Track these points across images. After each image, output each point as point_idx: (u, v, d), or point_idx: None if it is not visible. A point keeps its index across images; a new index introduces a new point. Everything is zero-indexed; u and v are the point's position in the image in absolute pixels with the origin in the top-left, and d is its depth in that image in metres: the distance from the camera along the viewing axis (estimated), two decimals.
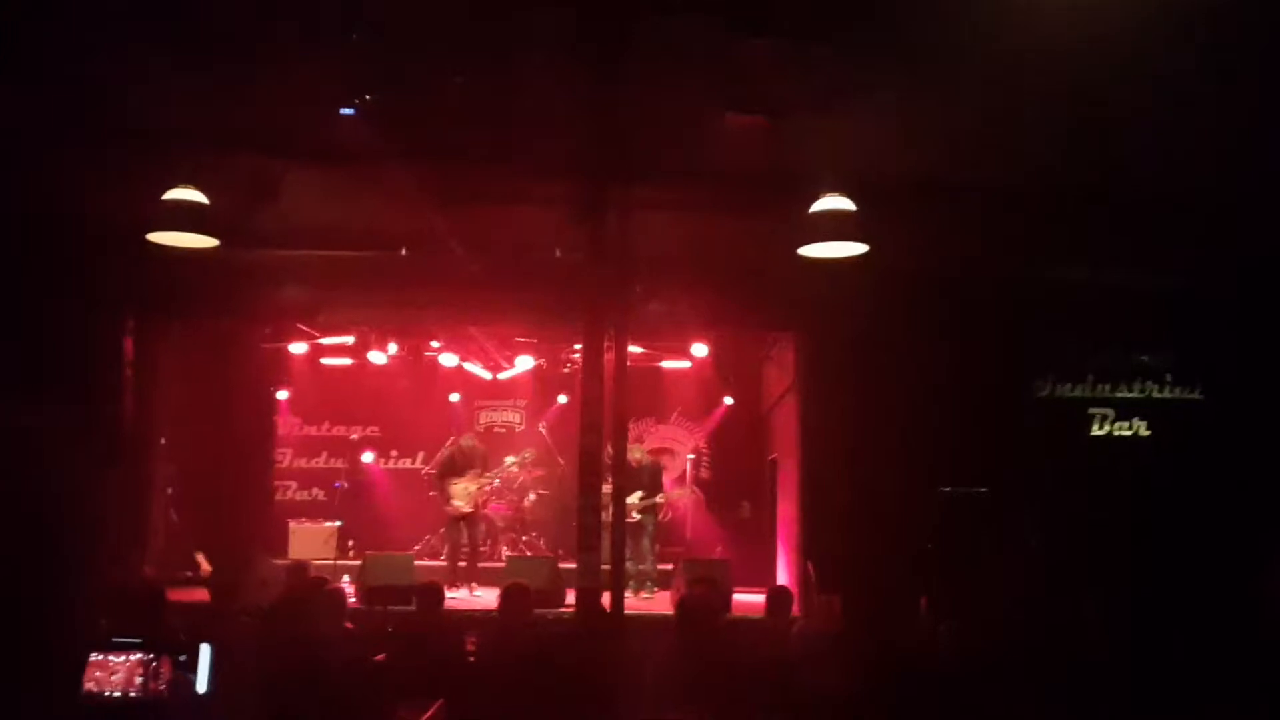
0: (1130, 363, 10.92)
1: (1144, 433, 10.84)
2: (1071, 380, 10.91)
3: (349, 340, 13.78)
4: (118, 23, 5.76)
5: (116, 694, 4.07)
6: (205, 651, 4.20)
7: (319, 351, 14.24)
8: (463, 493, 11.99)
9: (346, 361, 14.38)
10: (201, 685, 4.19)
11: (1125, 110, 6.74)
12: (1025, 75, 6.23)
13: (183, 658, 4.14)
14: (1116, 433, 10.85)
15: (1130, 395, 10.89)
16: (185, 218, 6.89)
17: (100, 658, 4.05)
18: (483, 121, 6.94)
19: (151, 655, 4.12)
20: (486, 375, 14.82)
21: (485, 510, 12.81)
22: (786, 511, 12.02)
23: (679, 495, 13.25)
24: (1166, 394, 10.88)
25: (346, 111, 5.99)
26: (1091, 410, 10.88)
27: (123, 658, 4.06)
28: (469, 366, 14.60)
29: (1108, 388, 10.91)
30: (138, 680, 4.09)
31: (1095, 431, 10.85)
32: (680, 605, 6.31)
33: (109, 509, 9.33)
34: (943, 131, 7.05)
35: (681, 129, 6.79)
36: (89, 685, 4.05)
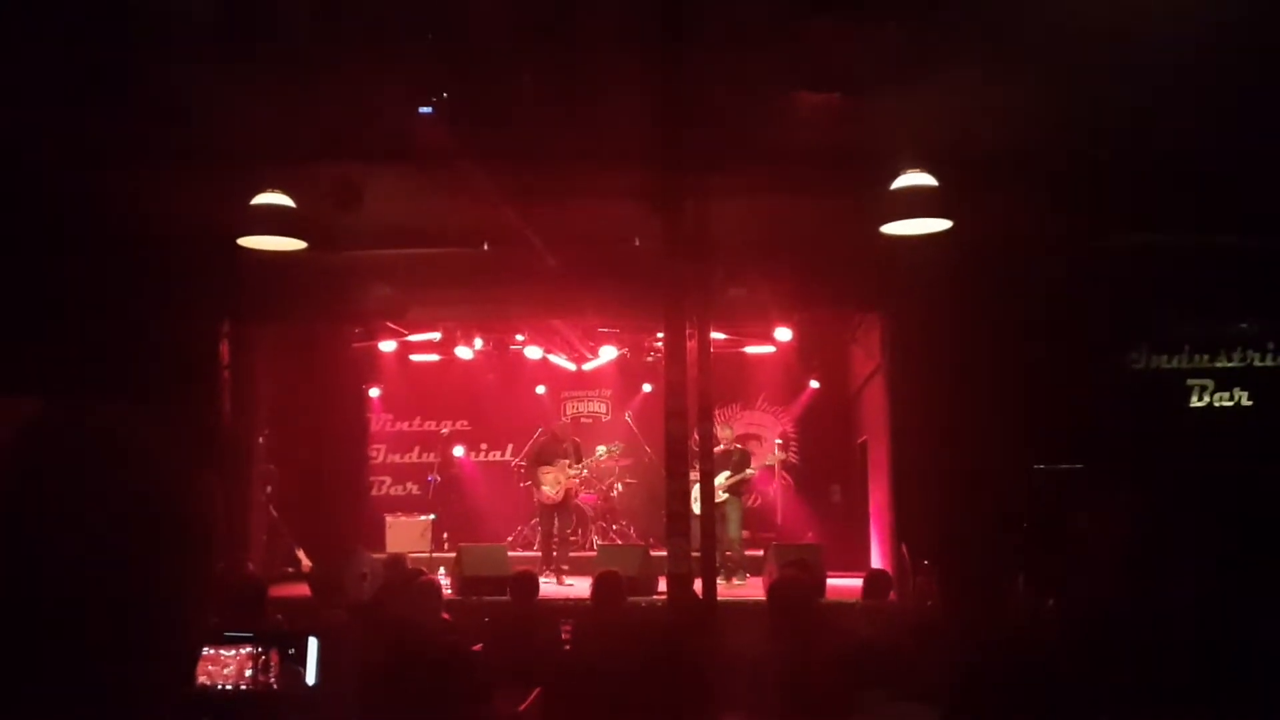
0: (1229, 330, 10.59)
1: (1246, 403, 10.51)
2: (1168, 351, 10.62)
3: (436, 337, 13.99)
4: (203, 35, 5.93)
5: (228, 686, 4.20)
6: (313, 644, 4.31)
7: (408, 349, 14.48)
8: (552, 481, 12.06)
9: (435, 358, 14.60)
10: (310, 677, 4.31)
11: (1210, 70, 6.54)
12: (1104, 43, 6.09)
13: (291, 650, 4.26)
14: (1217, 404, 10.54)
15: (1230, 364, 10.57)
16: (273, 222, 7.07)
17: (212, 652, 4.19)
18: (556, 116, 6.98)
19: (260, 648, 4.25)
20: (571, 366, 14.93)
21: (576, 500, 12.87)
22: (878, 494, 11.92)
23: (774, 460, 13.13)
24: (1269, 362, 10.54)
25: (425, 110, 6.08)
26: (1190, 381, 10.59)
27: (233, 651, 4.20)
28: (554, 359, 14.72)
29: (1206, 357, 10.60)
30: (248, 673, 4.22)
31: (1194, 403, 10.55)
32: (773, 588, 6.29)
33: (214, 509, 9.60)
34: (1022, 103, 6.91)
35: (755, 111, 6.76)
36: (202, 679, 4.19)
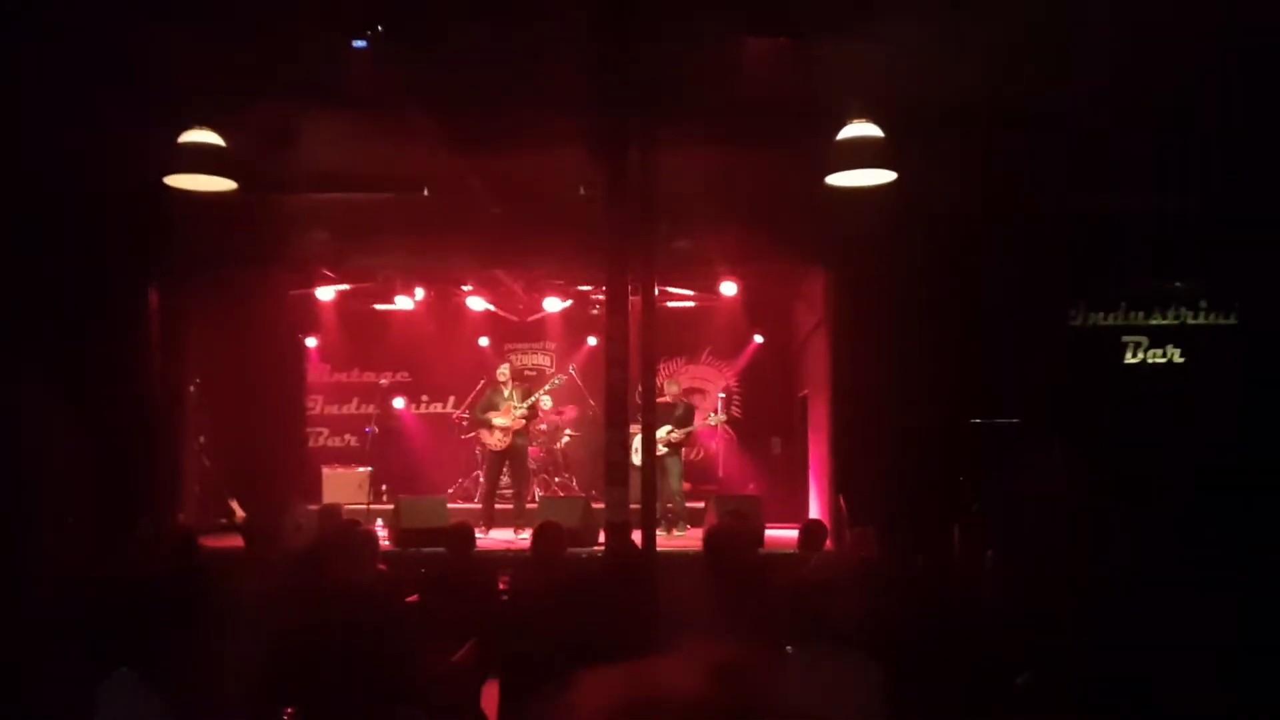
0: (1163, 289, 10.73)
1: (1178, 360, 10.68)
2: (1104, 308, 10.76)
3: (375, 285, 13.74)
4: None
5: None
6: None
7: (346, 298, 14.22)
8: (501, 424, 11.88)
9: (384, 307, 14.32)
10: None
11: (1158, 30, 6.54)
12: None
13: None
14: (1150, 360, 10.70)
15: (1164, 322, 10.73)
16: (202, 160, 6.85)
17: None
18: (499, 58, 6.82)
19: None
20: (514, 318, 14.78)
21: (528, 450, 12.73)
22: (818, 447, 11.98)
23: (717, 420, 13.13)
24: (1201, 319, 10.71)
25: (358, 44, 5.88)
26: (1125, 338, 10.74)
27: None
28: (496, 310, 14.56)
29: (1141, 315, 10.76)
30: None
31: (1129, 359, 10.70)
32: (709, 536, 6.27)
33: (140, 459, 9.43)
34: (972, 54, 6.87)
35: (701, 57, 6.64)
36: None
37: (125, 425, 9.53)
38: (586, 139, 6.87)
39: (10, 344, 8.22)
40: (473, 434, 12.52)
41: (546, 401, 13.14)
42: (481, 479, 12.60)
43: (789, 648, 3.57)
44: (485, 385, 12.86)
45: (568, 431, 14.03)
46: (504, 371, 12.29)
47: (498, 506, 12.11)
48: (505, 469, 12.19)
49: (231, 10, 6.04)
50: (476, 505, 12.34)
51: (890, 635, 3.44)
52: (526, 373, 14.88)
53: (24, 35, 6.43)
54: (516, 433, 11.93)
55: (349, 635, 4.70)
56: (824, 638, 3.47)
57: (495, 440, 11.89)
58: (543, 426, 13.56)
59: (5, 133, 7.60)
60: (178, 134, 6.93)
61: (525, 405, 11.96)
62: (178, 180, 7.07)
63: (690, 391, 14.01)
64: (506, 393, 12.00)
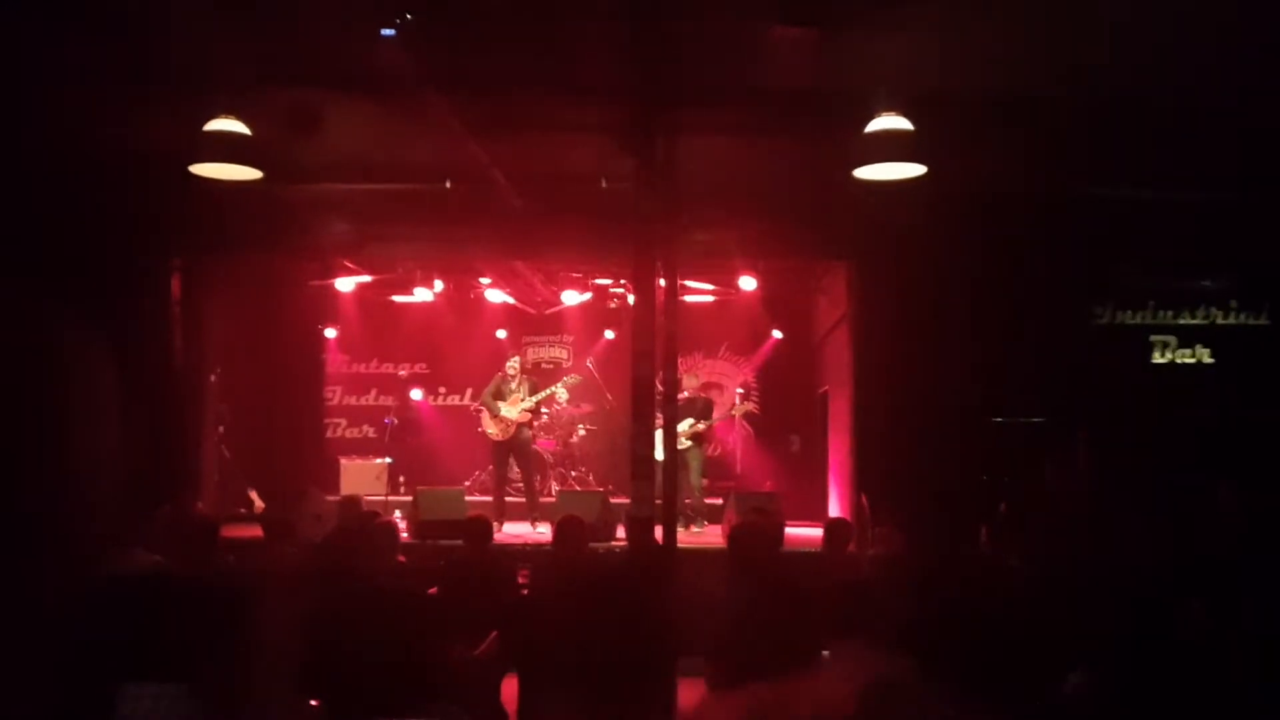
0: (1193, 287, 10.59)
1: (1207, 360, 10.53)
2: (1132, 306, 10.61)
3: (395, 276, 13.72)
4: None
5: None
6: None
7: (366, 288, 14.20)
8: (504, 415, 11.76)
9: (403, 299, 14.28)
10: None
11: (1191, 20, 6.43)
12: None
13: None
14: (1179, 360, 10.56)
15: (1193, 321, 10.58)
16: (227, 149, 6.81)
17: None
18: (524, 46, 6.76)
19: None
20: (532, 311, 14.73)
21: (536, 444, 12.64)
22: (838, 444, 11.88)
23: (740, 411, 13.01)
24: (1231, 319, 10.56)
25: (387, 33, 5.83)
26: (1153, 337, 10.59)
27: None
28: (515, 302, 14.50)
29: (1169, 314, 10.61)
30: None
31: (1156, 359, 10.57)
32: (733, 534, 6.21)
33: (159, 447, 9.41)
34: (1001, 46, 6.77)
35: (729, 46, 6.56)
36: None
37: (148, 413, 9.51)
38: (614, 128, 6.79)
39: (35, 330, 8.19)
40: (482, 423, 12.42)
41: (563, 395, 13.05)
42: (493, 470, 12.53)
43: (825, 652, 3.49)
44: (499, 375, 12.79)
45: (582, 426, 13.96)
46: (514, 365, 12.16)
47: (508, 499, 12.02)
48: (511, 461, 12.08)
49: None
50: (490, 498, 12.27)
51: (928, 636, 3.35)
52: (544, 366, 14.83)
53: (53, 29, 6.40)
54: (520, 425, 11.81)
55: (370, 627, 4.65)
56: (856, 638, 3.40)
57: (496, 431, 11.78)
58: (544, 414, 13.32)
59: (34, 120, 7.59)
60: (203, 120, 6.88)
61: (532, 400, 11.85)
62: (203, 169, 7.03)
63: (708, 386, 13.94)
64: (514, 385, 11.90)
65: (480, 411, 12.46)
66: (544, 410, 12.83)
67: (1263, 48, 6.74)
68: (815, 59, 6.38)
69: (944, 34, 6.56)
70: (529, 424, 11.94)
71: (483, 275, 13.61)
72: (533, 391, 11.87)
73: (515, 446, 11.83)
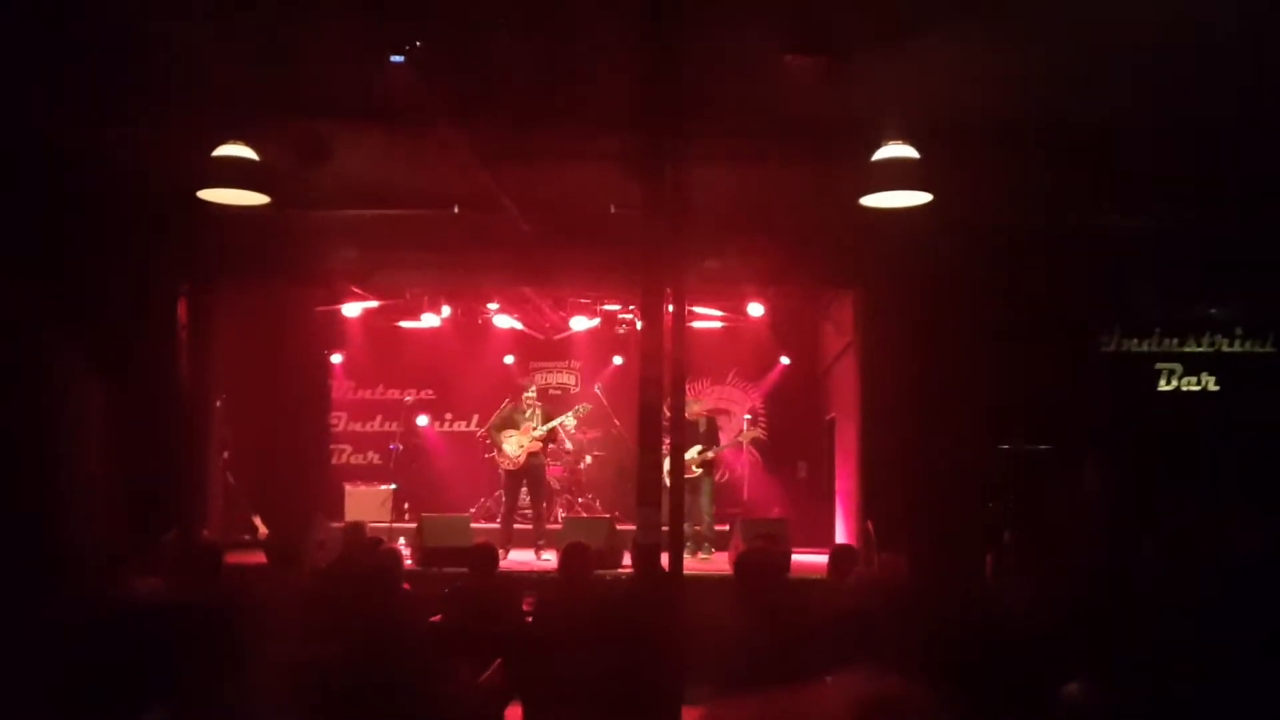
0: (1199, 315, 10.58)
1: (1213, 388, 10.52)
2: (1138, 334, 10.61)
3: (402, 302, 13.73)
4: None
5: None
6: None
7: (372, 314, 14.21)
8: (515, 444, 11.76)
9: (410, 324, 14.29)
10: None
11: (1198, 51, 6.46)
12: (1091, 16, 5.99)
13: None
14: (1184, 388, 10.54)
15: (1199, 349, 10.57)
16: (236, 174, 6.84)
17: None
18: (534, 74, 6.79)
19: None
20: (540, 336, 14.74)
21: (546, 472, 12.60)
22: (845, 471, 11.85)
23: (746, 438, 12.98)
24: (1237, 347, 10.55)
25: (396, 59, 5.86)
26: (1159, 365, 10.58)
27: None
28: (522, 328, 14.51)
29: (1175, 341, 10.60)
30: None
31: (1163, 386, 10.55)
32: (739, 561, 6.18)
33: (165, 473, 9.42)
34: (1008, 76, 6.81)
35: (739, 74, 6.59)
36: None
37: (153, 438, 9.53)
38: (623, 155, 6.82)
39: (45, 352, 8.23)
40: (495, 452, 12.37)
41: (570, 423, 13.03)
42: (503, 498, 12.49)
43: (828, 678, 3.46)
44: (508, 404, 12.76)
45: (589, 455, 13.92)
46: (531, 393, 12.16)
47: (516, 526, 11.98)
48: (524, 488, 12.04)
49: (272, 26, 6.02)
50: (497, 525, 12.23)
51: (932, 661, 3.33)
52: (551, 392, 14.81)
53: (62, 54, 6.46)
54: (532, 453, 11.80)
55: (374, 655, 4.63)
56: (864, 664, 3.37)
57: (509, 460, 11.75)
58: (568, 446, 13.45)
59: (42, 145, 7.64)
60: (212, 146, 6.92)
61: (545, 429, 11.83)
62: (211, 194, 7.07)
63: (716, 412, 13.91)
64: (529, 413, 11.88)
65: (487, 440, 12.45)
66: (552, 438, 12.77)
67: (1269, 77, 6.76)
68: (824, 88, 6.40)
69: (951, 63, 6.59)
70: (541, 452, 11.93)
71: (491, 301, 13.63)
72: (545, 419, 11.86)
73: (528, 474, 11.81)
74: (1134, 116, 7.45)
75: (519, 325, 14.35)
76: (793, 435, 14.40)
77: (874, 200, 7.11)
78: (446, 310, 13.66)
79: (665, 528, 7.17)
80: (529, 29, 6.14)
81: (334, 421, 15.00)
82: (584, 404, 13.14)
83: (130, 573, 5.72)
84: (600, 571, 8.85)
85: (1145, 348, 10.62)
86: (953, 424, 9.62)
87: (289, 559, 7.29)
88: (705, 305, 13.32)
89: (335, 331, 14.39)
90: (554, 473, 13.61)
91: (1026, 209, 9.21)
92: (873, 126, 6.93)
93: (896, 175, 6.91)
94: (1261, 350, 10.51)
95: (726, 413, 14.60)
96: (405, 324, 14.33)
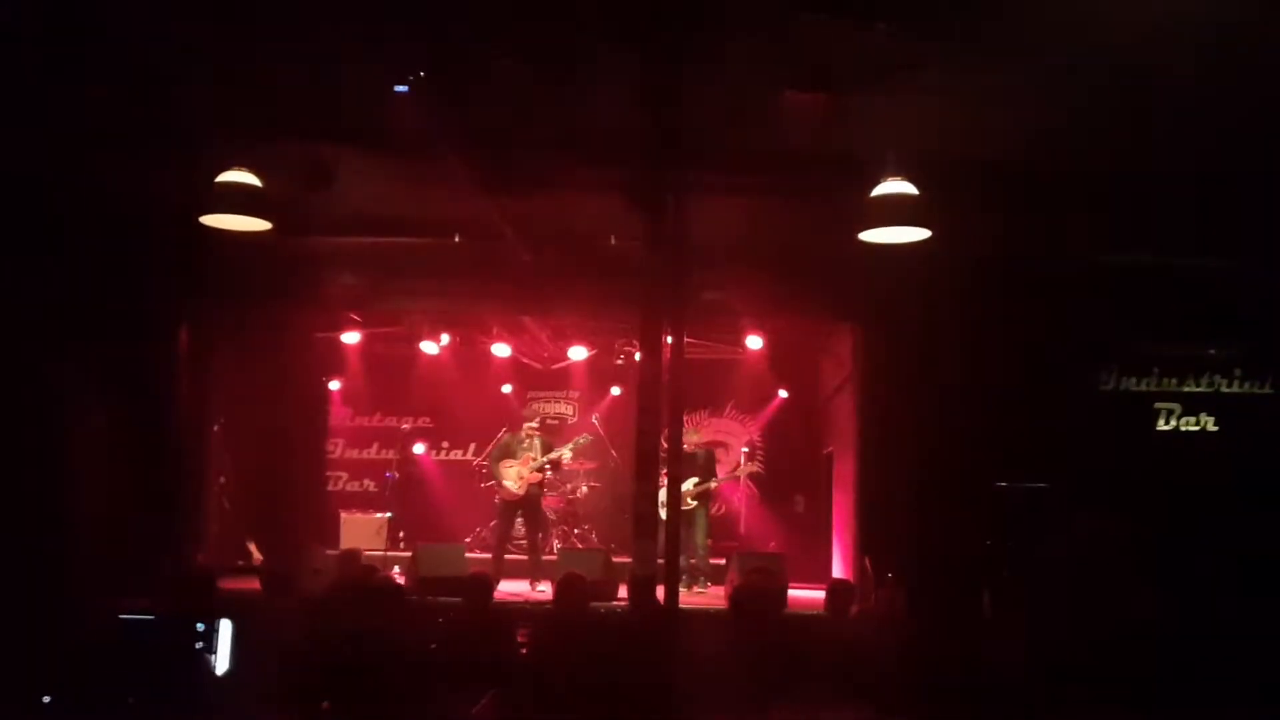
0: (1198, 355, 10.58)
1: (1211, 428, 10.51)
2: (1137, 374, 10.59)
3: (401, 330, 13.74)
4: (170, 7, 5.74)
5: None
6: (225, 628, 4.04)
7: (370, 341, 14.22)
8: (515, 475, 11.70)
9: (411, 351, 14.29)
10: (221, 665, 4.08)
11: (1198, 93, 6.51)
12: (1092, 57, 6.05)
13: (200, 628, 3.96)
14: (1183, 428, 10.53)
15: (1198, 389, 10.56)
16: (238, 200, 6.86)
17: None
18: (537, 106, 6.84)
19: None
20: (539, 365, 14.74)
21: (543, 502, 12.52)
22: (842, 505, 11.82)
23: (743, 472, 12.97)
24: (1236, 388, 10.55)
25: (400, 89, 5.90)
26: (1157, 405, 10.57)
27: None
28: (521, 357, 14.52)
29: (1174, 381, 10.59)
30: None
31: (1161, 426, 10.53)
32: (735, 595, 6.17)
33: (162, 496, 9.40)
34: (1008, 114, 6.86)
35: (740, 110, 6.64)
36: None
37: (151, 463, 9.53)
38: (624, 187, 6.85)
39: (46, 375, 8.24)
40: (492, 482, 12.30)
41: (567, 455, 12.98)
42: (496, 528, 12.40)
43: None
44: (506, 433, 12.73)
45: (585, 485, 13.88)
46: (534, 423, 12.15)
47: (509, 557, 11.91)
48: (520, 518, 11.97)
49: (274, 54, 6.07)
50: (489, 555, 12.14)
51: (928, 698, 3.33)
52: (549, 421, 14.78)
53: (65, 80, 6.50)
54: (532, 484, 11.75)
55: (367, 682, 4.61)
56: (861, 701, 3.36)
57: (508, 491, 11.68)
58: (566, 458, 13.35)
59: (44, 169, 7.67)
60: (214, 172, 6.96)
61: (545, 459, 11.79)
62: (213, 220, 7.09)
63: (713, 445, 13.90)
64: (528, 443, 11.84)
65: (484, 470, 12.39)
66: (551, 468, 12.70)
67: (1267, 118, 6.82)
68: (825, 123, 6.45)
69: (951, 101, 6.64)
70: (540, 482, 11.89)
71: (490, 329, 13.64)
72: (545, 450, 11.82)
73: (525, 505, 11.75)
74: (1133, 156, 7.50)
75: (517, 354, 14.34)
76: (790, 469, 14.37)
77: (873, 235, 7.13)
78: (445, 338, 13.67)
79: (661, 560, 7.16)
80: (532, 60, 6.18)
81: (331, 448, 14.99)
82: (584, 435, 13.10)
83: (116, 595, 5.71)
84: (595, 604, 8.80)
85: (1144, 387, 10.61)
86: (951, 460, 9.60)
87: (283, 586, 7.27)
88: (703, 337, 13.32)
89: (334, 358, 14.40)
90: (550, 503, 13.56)
91: (1025, 246, 9.23)
92: (872, 162, 6.96)
93: (896, 211, 6.93)
94: (1260, 391, 10.50)
95: (724, 445, 14.59)
96: (403, 351, 14.32)
